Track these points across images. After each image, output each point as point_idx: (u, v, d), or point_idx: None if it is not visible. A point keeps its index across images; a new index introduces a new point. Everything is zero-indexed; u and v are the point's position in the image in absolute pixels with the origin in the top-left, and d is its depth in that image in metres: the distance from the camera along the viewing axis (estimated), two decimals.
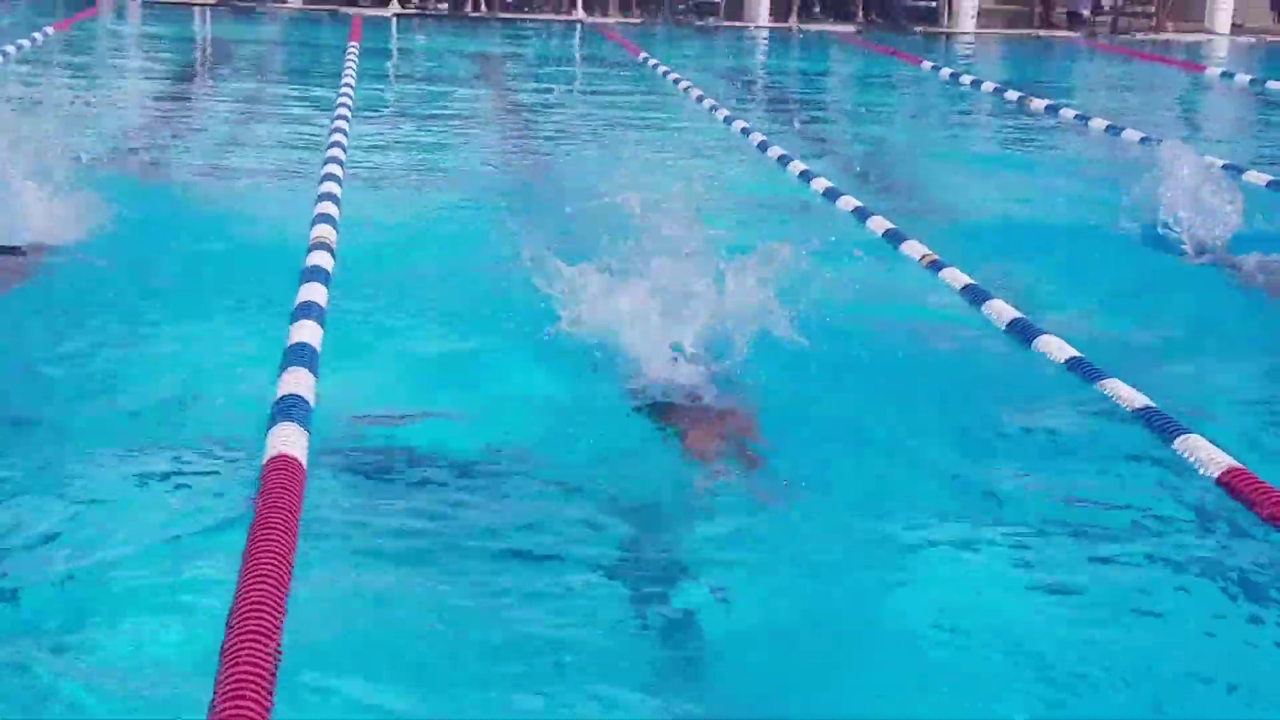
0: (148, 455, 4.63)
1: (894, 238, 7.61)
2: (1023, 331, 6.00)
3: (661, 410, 5.14)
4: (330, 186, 8.09)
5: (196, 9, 19.56)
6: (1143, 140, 11.23)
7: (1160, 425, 4.90)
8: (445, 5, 20.41)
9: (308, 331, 5.36)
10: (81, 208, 7.65)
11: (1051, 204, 9.09)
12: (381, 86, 14.21)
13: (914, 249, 7.33)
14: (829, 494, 4.55)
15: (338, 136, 9.73)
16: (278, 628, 3.22)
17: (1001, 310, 6.25)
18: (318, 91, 13.18)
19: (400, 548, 4.14)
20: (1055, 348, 5.73)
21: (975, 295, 6.53)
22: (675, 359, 5.37)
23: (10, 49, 13.91)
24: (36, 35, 15.08)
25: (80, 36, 16.56)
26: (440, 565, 4.06)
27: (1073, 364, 5.58)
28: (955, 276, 6.81)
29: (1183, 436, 4.76)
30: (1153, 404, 5.09)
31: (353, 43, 15.94)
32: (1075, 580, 4.11)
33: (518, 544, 4.20)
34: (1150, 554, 4.25)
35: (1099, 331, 6.41)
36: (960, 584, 4.13)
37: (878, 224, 7.90)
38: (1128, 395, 5.18)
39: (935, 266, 7.03)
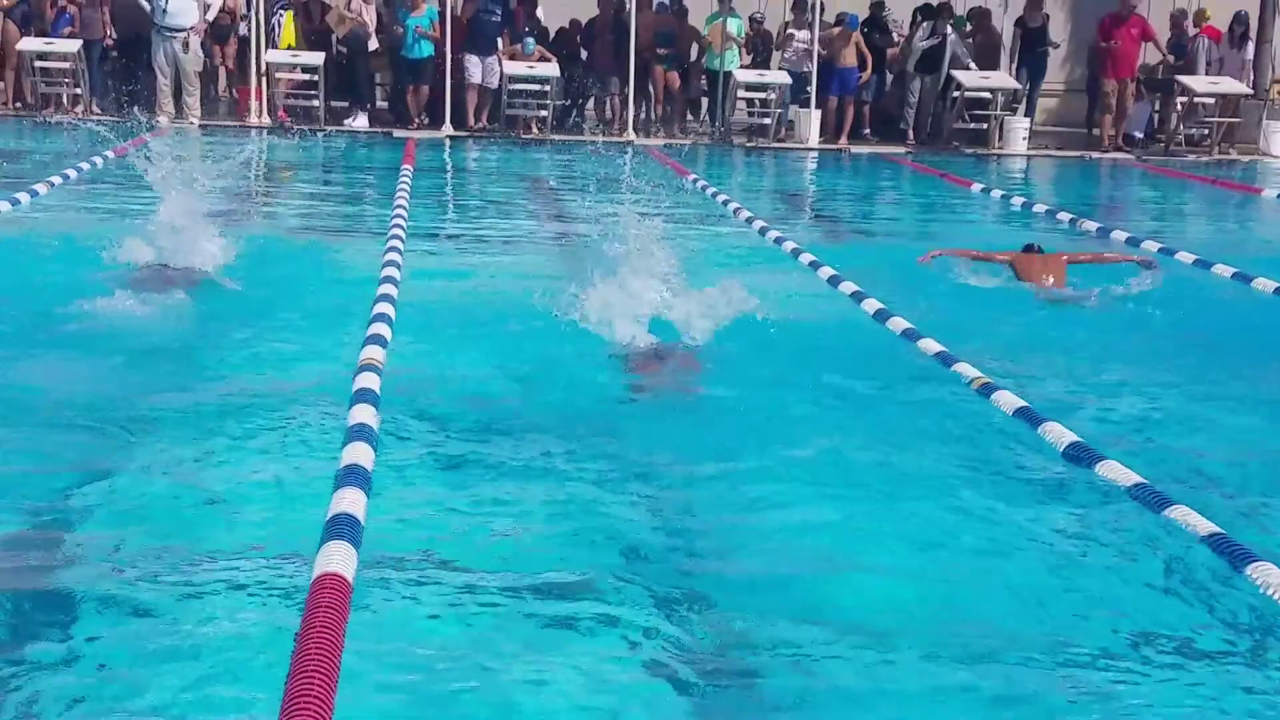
0: (195, 573, 4.61)
1: (945, 359, 7.57)
2: (1080, 456, 5.94)
3: None
4: (384, 307, 8.12)
5: (253, 131, 19.88)
6: (1196, 263, 11.18)
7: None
8: (497, 128, 20.67)
9: (359, 452, 5.34)
10: (125, 325, 7.77)
11: (1103, 326, 9.04)
12: (435, 206, 14.34)
13: (966, 370, 7.29)
14: None
15: (392, 255, 9.80)
16: None
17: (1060, 434, 6.18)
18: (372, 211, 13.34)
19: (447, 666, 4.10)
20: (1119, 474, 5.67)
21: (1030, 418, 6.47)
22: None
23: (71, 173, 14.14)
24: (96, 159, 15.32)
25: (138, 160, 16.78)
26: (489, 686, 4.01)
27: (1136, 490, 5.53)
28: (1007, 400, 6.76)
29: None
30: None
31: (406, 165, 16.12)
32: None
33: (556, 670, 4.15)
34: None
35: (1164, 455, 6.39)
36: None
37: (928, 345, 7.87)
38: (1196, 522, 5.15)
39: (986, 390, 6.97)
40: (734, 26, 21.44)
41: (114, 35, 20.76)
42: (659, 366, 7.45)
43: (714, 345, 7.79)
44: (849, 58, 21.35)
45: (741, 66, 21.60)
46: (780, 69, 21.71)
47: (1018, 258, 10.05)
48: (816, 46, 21.26)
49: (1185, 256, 11.45)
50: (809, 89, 21.31)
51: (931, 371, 7.54)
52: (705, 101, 22.35)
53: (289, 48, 20.25)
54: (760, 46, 22.29)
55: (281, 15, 20.39)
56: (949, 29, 21.64)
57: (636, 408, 6.92)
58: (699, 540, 5.29)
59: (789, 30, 21.79)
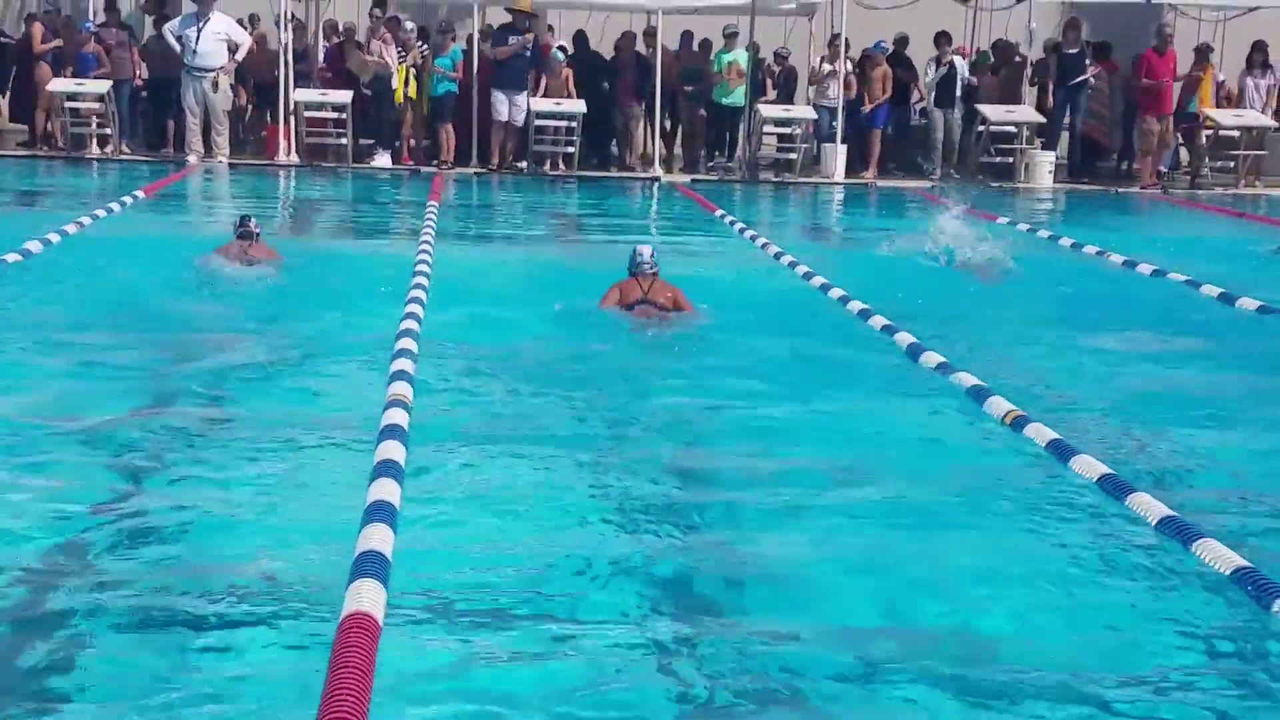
0: (221, 610, 4.60)
1: (979, 394, 7.53)
2: (1115, 489, 5.90)
3: None
4: (407, 343, 8.14)
5: (282, 170, 19.96)
6: (1221, 296, 11.11)
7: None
8: (524, 165, 20.71)
9: (386, 489, 5.33)
10: (150, 356, 7.80)
11: (1136, 362, 9.02)
12: (460, 241, 14.35)
13: (998, 406, 7.25)
14: None
15: (416, 293, 9.81)
16: None
17: (1091, 466, 6.15)
18: (398, 246, 13.36)
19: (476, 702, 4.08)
20: (1148, 505, 5.63)
21: (1061, 451, 6.44)
22: None
23: (101, 212, 14.21)
24: (127, 199, 15.42)
25: (168, 199, 16.93)
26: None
27: (1165, 522, 5.50)
28: (1040, 432, 6.73)
29: None
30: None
31: (433, 201, 16.16)
32: None
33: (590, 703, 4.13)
34: None
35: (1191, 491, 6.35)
36: None
37: (963, 379, 7.84)
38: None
39: (1019, 423, 6.94)
40: (742, 61, 21.39)
41: (144, 75, 20.91)
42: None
43: (741, 369, 7.94)
44: (878, 92, 21.39)
45: (766, 101, 21.57)
46: (815, 104, 21.64)
47: None
48: (843, 81, 21.24)
49: (1210, 289, 11.40)
50: (834, 124, 21.28)
51: (963, 404, 7.53)
52: (728, 137, 22.27)
53: None
54: (785, 82, 22.27)
55: None
56: (952, 56, 21.65)
57: (663, 438, 6.90)
58: (735, 571, 5.28)
59: (825, 67, 21.63)
